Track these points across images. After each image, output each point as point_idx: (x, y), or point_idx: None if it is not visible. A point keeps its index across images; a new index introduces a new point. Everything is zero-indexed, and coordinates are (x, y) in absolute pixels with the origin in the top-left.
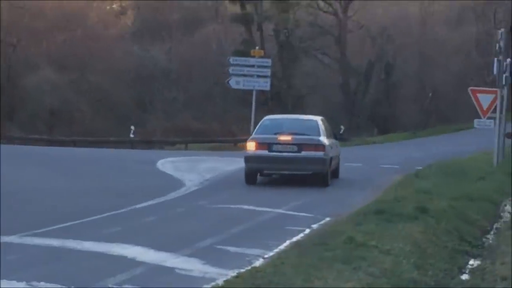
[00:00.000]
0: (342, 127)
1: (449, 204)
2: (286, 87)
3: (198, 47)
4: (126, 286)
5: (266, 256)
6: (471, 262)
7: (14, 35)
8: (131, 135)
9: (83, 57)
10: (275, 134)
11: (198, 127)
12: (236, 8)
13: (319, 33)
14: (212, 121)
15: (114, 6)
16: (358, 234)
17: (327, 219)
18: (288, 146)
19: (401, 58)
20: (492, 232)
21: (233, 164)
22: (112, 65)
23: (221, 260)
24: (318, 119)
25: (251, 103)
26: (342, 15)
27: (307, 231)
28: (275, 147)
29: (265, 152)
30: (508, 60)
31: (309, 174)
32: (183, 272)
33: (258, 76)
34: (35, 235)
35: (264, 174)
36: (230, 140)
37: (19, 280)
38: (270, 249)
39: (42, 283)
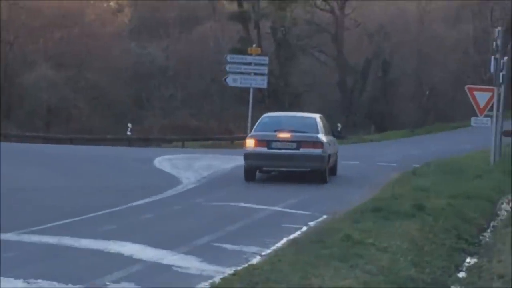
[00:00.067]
0: (339, 125)
1: (447, 202)
2: (283, 85)
3: (195, 45)
4: (123, 283)
5: (263, 253)
6: (468, 260)
7: (11, 33)
8: (128, 133)
9: (80, 55)
10: (274, 131)
11: (195, 124)
12: (233, 6)
13: (316, 31)
14: (209, 118)
15: (111, 3)
16: (355, 231)
17: (324, 216)
18: (287, 143)
19: (399, 56)
20: (489, 230)
21: (230, 162)
22: (109, 62)
23: (218, 257)
24: (317, 116)
25: (248, 101)
26: (339, 13)
27: (304, 228)
28: (274, 144)
29: (264, 149)
30: (505, 58)
31: (308, 171)
32: (180, 270)
33: (255, 74)
34: (32, 232)
35: (263, 171)
36: (227, 138)
37: (16, 277)
38: (267, 246)
39: (39, 281)
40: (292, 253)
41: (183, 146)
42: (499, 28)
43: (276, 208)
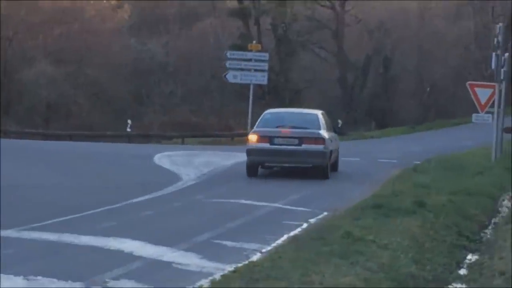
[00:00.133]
0: (339, 121)
1: (447, 199)
2: (283, 81)
3: (195, 41)
4: (123, 280)
5: (263, 250)
6: (469, 256)
7: (10, 29)
8: (128, 129)
9: (80, 51)
10: (277, 127)
11: (195, 121)
12: (233, 2)
13: (316, 27)
14: (209, 115)
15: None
16: (356, 228)
17: (325, 213)
18: (289, 139)
19: (399, 52)
20: (490, 227)
21: (230, 158)
22: (109, 58)
23: (218, 254)
24: (319, 113)
25: (248, 97)
26: (339, 9)
27: (305, 225)
28: (276, 140)
29: (266, 145)
30: (506, 54)
31: (309, 167)
32: (180, 267)
33: (256, 70)
34: (32, 229)
35: (265, 167)
36: (227, 135)
37: (16, 274)
38: (267, 243)
39: (39, 277)
40: (292, 250)
41: (183, 143)
42: (500, 24)
43: (276, 205)
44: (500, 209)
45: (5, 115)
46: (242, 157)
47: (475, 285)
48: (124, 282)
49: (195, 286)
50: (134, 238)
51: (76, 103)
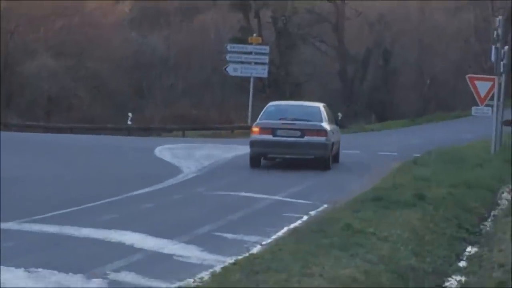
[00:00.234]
0: (339, 114)
1: (447, 191)
2: (283, 74)
3: (196, 34)
4: (124, 272)
5: (264, 242)
6: (468, 249)
7: (12, 22)
8: (129, 122)
9: (81, 44)
10: (279, 119)
11: (196, 114)
12: None
13: (316, 20)
14: (210, 108)
15: None
16: (356, 221)
17: (325, 206)
18: (292, 131)
19: (399, 45)
20: (489, 219)
21: (231, 151)
22: (110, 52)
23: (219, 247)
24: (321, 105)
25: (249, 90)
26: (339, 2)
27: (305, 218)
28: (279, 132)
29: (269, 137)
30: (506, 47)
31: (311, 158)
32: (181, 259)
33: (256, 63)
34: (33, 221)
35: (268, 158)
36: (227, 128)
37: (17, 266)
38: (268, 235)
39: (40, 270)
40: (292, 242)
41: (183, 136)
42: (500, 17)
43: (277, 197)
44: (499, 201)
45: (6, 108)
46: (242, 150)
47: (475, 277)
48: (124, 274)
49: (195, 278)
50: (135, 230)
51: (77, 96)
